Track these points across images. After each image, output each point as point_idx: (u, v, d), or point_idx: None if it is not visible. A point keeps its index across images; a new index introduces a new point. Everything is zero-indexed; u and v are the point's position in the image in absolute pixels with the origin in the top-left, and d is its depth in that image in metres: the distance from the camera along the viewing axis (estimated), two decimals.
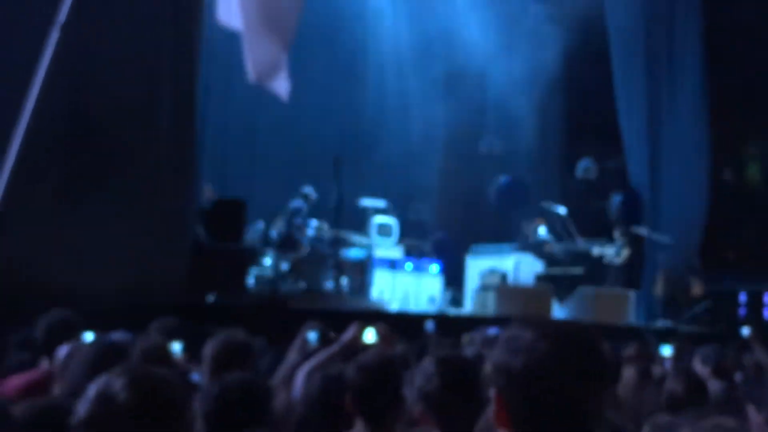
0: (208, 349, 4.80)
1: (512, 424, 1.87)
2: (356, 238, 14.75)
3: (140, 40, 10.77)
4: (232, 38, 15.06)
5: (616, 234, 15.46)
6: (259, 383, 4.06)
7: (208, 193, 13.91)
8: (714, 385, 5.71)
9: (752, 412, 4.94)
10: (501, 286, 14.16)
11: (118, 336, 5.36)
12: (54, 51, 8.37)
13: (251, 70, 11.51)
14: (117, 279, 10.04)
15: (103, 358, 4.21)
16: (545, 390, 1.82)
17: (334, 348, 5.37)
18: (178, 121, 11.06)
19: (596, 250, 15.27)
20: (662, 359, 6.95)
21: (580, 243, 15.62)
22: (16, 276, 9.35)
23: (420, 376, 3.58)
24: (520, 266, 14.89)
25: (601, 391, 1.89)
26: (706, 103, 16.93)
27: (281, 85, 11.76)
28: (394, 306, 13.65)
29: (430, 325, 9.17)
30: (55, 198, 10.16)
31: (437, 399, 3.37)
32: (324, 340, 6.56)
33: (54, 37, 8.45)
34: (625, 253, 15.22)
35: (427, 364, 3.59)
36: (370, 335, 5.37)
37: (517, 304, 13.32)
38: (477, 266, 15.17)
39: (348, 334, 5.41)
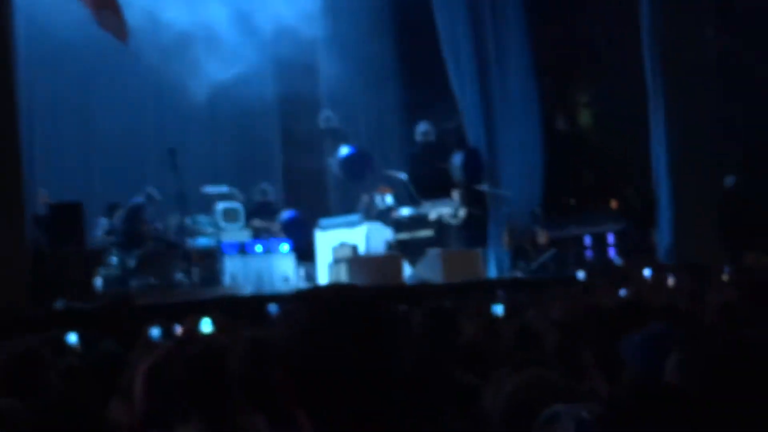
0: None
1: (302, 402, 1.79)
2: (203, 219, 14.61)
3: None
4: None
5: (454, 195, 15.73)
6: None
7: (43, 198, 13.60)
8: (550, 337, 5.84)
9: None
10: (353, 258, 14.25)
11: None
12: None
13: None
14: None
15: None
16: (317, 363, 1.76)
17: (169, 343, 5.32)
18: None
19: (433, 213, 15.51)
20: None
21: (426, 206, 15.83)
22: None
23: (233, 360, 3.55)
24: (371, 235, 15.02)
25: (379, 357, 1.79)
26: (532, 57, 17.31)
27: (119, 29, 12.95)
28: (247, 290, 13.61)
29: (272, 308, 9.20)
30: None
31: (249, 381, 3.30)
32: (168, 335, 6.54)
33: None
34: (462, 212, 15.48)
35: (238, 346, 3.54)
36: (206, 325, 5.37)
37: (369, 273, 13.44)
38: (327, 240, 15.22)
39: (183, 327, 5.39)
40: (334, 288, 1.96)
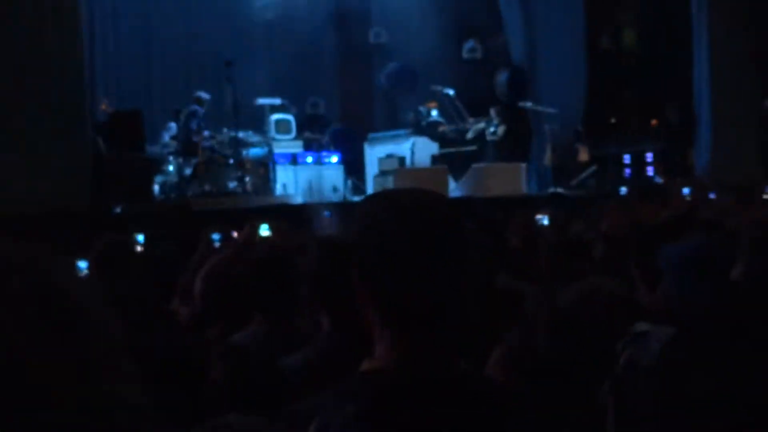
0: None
1: (374, 300, 1.79)
2: (256, 137, 14.67)
3: None
4: None
5: (492, 112, 15.63)
6: None
7: (104, 107, 13.69)
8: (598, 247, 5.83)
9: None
10: (399, 170, 14.27)
11: None
12: None
13: None
14: (22, 195, 9.99)
15: None
16: (394, 262, 1.75)
17: (229, 248, 5.36)
18: (63, 44, 10.80)
19: (473, 130, 15.46)
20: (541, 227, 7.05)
21: (471, 122, 15.77)
22: None
23: (305, 260, 3.56)
24: (416, 149, 14.99)
25: (455, 258, 1.78)
26: None
27: None
28: (298, 199, 13.68)
29: (326, 213, 9.23)
30: None
31: (319, 281, 3.30)
32: (226, 240, 6.60)
33: None
34: (501, 129, 15.38)
35: (311, 247, 3.55)
36: (264, 231, 5.41)
37: (415, 185, 13.40)
38: (375, 153, 15.25)
39: (242, 233, 5.42)
40: (408, 191, 1.93)
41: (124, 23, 16.43)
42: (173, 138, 14.28)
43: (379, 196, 2.04)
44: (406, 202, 1.83)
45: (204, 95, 14.32)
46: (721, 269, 3.03)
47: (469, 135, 15.47)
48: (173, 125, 14.40)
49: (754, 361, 2.55)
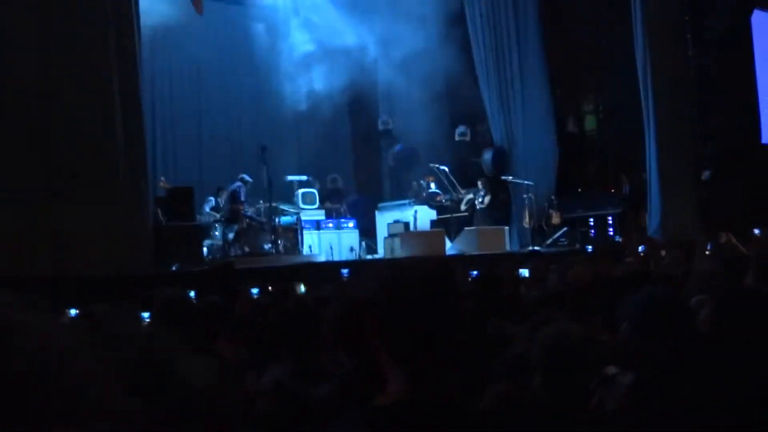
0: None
1: (385, 345, 1.81)
2: (286, 207, 14.73)
3: (86, 51, 10.47)
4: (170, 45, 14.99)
5: (479, 183, 15.73)
6: None
7: (162, 183, 13.78)
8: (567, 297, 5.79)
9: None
10: (404, 233, 14.27)
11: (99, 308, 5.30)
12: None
13: None
14: (95, 260, 9.98)
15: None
16: (402, 314, 1.79)
17: (266, 298, 5.36)
18: (129, 128, 10.89)
19: (465, 200, 15.56)
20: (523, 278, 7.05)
21: (463, 193, 15.84)
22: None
23: (329, 311, 3.59)
24: (418, 215, 15.02)
25: (449, 309, 1.82)
26: (547, 71, 17.22)
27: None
28: (321, 258, 13.69)
29: (344, 272, 9.23)
30: (39, 196, 10.02)
31: (338, 327, 3.32)
32: (264, 293, 6.60)
33: None
34: (488, 198, 15.47)
35: (333, 300, 3.59)
36: (299, 287, 5.45)
37: (418, 245, 13.45)
38: (384, 219, 15.28)
39: (275, 287, 5.44)
40: (413, 260, 2.01)
41: (180, 110, 16.61)
42: (213, 209, 14.35)
43: (393, 264, 2.13)
44: (410, 268, 1.91)
45: (247, 177, 14.44)
46: (675, 316, 3.01)
47: (463, 206, 15.54)
48: (212, 199, 14.50)
49: (711, 403, 2.52)
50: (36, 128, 10.06)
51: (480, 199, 15.48)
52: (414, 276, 1.88)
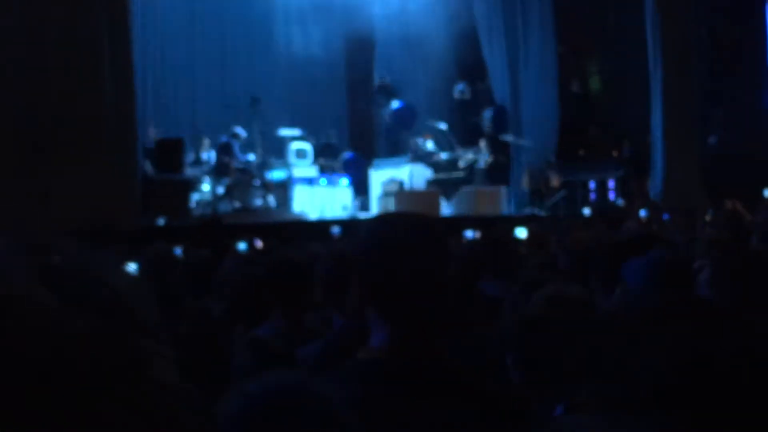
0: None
1: (372, 300, 1.83)
2: (277, 161, 14.68)
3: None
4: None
5: (482, 144, 15.65)
6: None
7: (152, 134, 13.71)
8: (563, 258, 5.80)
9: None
10: (399, 192, 14.23)
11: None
12: None
13: None
14: (81, 213, 9.96)
15: None
16: (390, 270, 1.80)
17: (254, 253, 5.35)
18: (117, 75, 10.81)
19: (464, 159, 15.49)
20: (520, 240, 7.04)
21: (460, 152, 15.79)
22: None
23: (319, 267, 3.60)
24: (414, 174, 14.98)
25: (438, 267, 1.84)
26: (553, 28, 17.08)
27: None
28: (313, 215, 13.67)
29: (335, 230, 9.23)
30: (22, 148, 9.99)
31: (330, 283, 3.33)
32: (251, 248, 6.59)
33: None
34: (490, 159, 15.43)
35: (324, 256, 3.60)
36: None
37: (413, 205, 13.42)
38: (379, 177, 15.22)
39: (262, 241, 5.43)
40: (403, 214, 2.03)
41: (172, 58, 16.48)
42: (194, 162, 14.27)
43: (380, 218, 2.13)
44: (400, 223, 1.91)
45: (240, 131, 14.37)
46: (678, 280, 3.01)
47: (461, 164, 15.48)
48: (213, 153, 14.46)
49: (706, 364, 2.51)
50: (18, 78, 9.99)
51: (482, 160, 15.44)
52: (402, 229, 1.88)
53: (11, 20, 9.86)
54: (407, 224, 1.89)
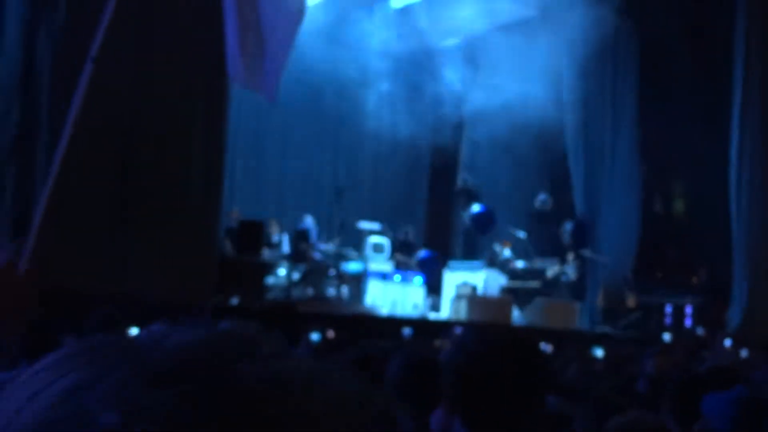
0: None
1: (458, 411, 1.86)
2: (353, 254, 14.80)
3: (175, 75, 10.71)
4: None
5: (570, 257, 15.57)
6: None
7: (235, 215, 13.99)
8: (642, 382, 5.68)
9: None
10: (471, 296, 14.16)
11: (155, 328, 5.36)
12: (89, 85, 7.36)
13: (240, 71, 9.33)
14: (159, 285, 10.13)
15: None
16: (480, 382, 1.83)
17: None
18: (209, 156, 11.12)
19: (552, 270, 15.38)
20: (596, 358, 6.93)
21: (537, 262, 15.70)
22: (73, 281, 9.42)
23: (390, 370, 3.56)
24: (488, 280, 14.92)
25: (533, 383, 1.87)
26: (639, 146, 17.05)
27: (268, 87, 9.46)
28: (384, 310, 13.67)
29: (407, 331, 9.21)
30: (109, 220, 10.25)
31: (401, 387, 3.29)
32: (324, 340, 6.62)
33: (88, 71, 7.35)
34: (577, 273, 15.34)
35: (396, 359, 3.56)
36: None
37: (484, 311, 13.35)
38: (453, 279, 15.19)
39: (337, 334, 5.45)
40: (501, 327, 2.05)
41: (264, 143, 16.87)
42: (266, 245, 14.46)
43: (471, 330, 2.14)
44: (492, 339, 1.92)
45: (311, 220, 14.59)
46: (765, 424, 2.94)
47: (549, 274, 15.38)
48: (286, 237, 14.66)
49: None
50: (117, 149, 10.32)
51: (570, 273, 15.36)
52: (503, 344, 1.89)
53: (121, 85, 10.18)
54: (498, 342, 1.91)
